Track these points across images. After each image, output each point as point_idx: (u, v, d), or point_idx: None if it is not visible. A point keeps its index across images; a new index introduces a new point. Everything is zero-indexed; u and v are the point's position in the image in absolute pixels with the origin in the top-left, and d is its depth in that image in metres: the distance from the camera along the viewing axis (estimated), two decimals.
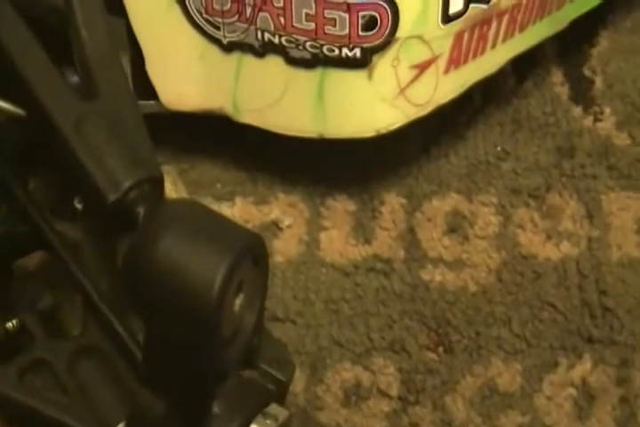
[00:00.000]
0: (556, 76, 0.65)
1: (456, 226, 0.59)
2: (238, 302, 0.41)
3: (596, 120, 0.63)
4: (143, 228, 0.41)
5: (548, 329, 0.56)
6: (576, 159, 0.61)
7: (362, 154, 0.61)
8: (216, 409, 0.41)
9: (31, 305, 0.49)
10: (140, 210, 0.42)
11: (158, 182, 0.44)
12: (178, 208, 0.41)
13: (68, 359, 0.47)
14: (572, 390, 0.55)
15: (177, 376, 0.40)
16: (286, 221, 0.59)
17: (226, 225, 0.41)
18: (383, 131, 0.55)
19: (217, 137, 0.60)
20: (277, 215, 0.59)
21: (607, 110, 0.63)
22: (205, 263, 0.38)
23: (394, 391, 0.54)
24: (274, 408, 0.43)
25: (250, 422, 0.41)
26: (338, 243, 0.58)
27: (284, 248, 0.58)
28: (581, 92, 0.64)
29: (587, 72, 0.65)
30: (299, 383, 0.53)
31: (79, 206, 0.48)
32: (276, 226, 0.58)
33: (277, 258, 0.57)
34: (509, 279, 0.57)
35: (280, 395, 0.46)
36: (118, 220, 0.43)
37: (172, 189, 0.53)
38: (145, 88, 0.55)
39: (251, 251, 0.40)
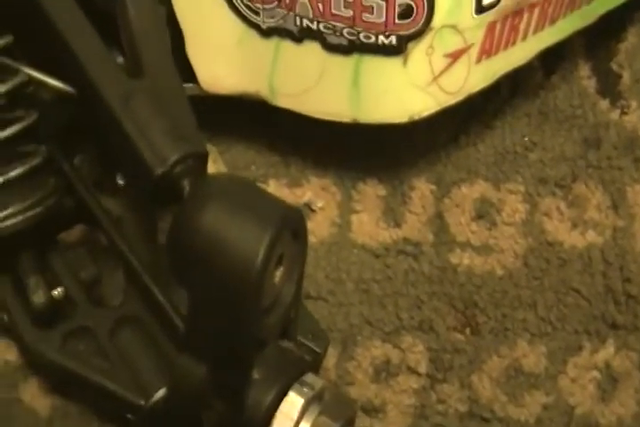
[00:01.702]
0: (584, 70, 0.65)
1: (484, 212, 0.60)
2: (278, 273, 0.42)
3: (623, 113, 0.64)
4: (187, 201, 0.42)
5: (573, 314, 0.57)
6: (602, 151, 0.62)
7: (392, 141, 0.61)
8: (256, 375, 0.42)
9: (75, 275, 0.50)
10: (185, 184, 0.43)
11: (203, 157, 0.45)
12: (221, 182, 0.42)
13: (110, 327, 0.48)
14: (595, 373, 0.56)
15: (219, 344, 0.41)
16: (319, 204, 0.60)
17: (267, 199, 0.42)
18: (416, 117, 0.55)
19: (251, 121, 0.61)
20: (310, 197, 0.60)
21: (634, 104, 0.64)
22: (248, 236, 0.39)
23: (422, 369, 0.55)
24: (310, 377, 0.44)
25: (288, 389, 0.43)
26: (369, 226, 0.59)
27: (316, 229, 0.59)
28: (608, 86, 0.65)
29: (614, 66, 0.65)
30: (330, 359, 0.54)
31: (121, 182, 0.50)
32: (308, 208, 0.59)
33: (310, 239, 0.57)
34: (535, 265, 0.58)
35: (315, 366, 0.47)
36: (164, 193, 0.44)
37: (213, 166, 0.54)
38: (184, 71, 0.56)
39: (291, 224, 0.41)
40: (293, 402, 0.42)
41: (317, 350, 0.47)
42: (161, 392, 0.46)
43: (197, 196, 0.41)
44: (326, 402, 0.44)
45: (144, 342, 0.48)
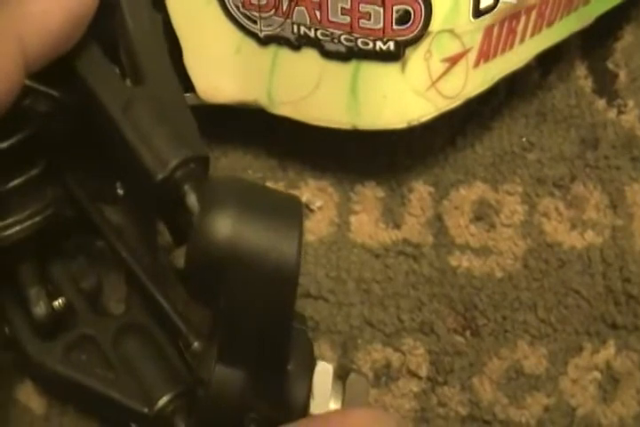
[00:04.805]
0: (580, 70, 0.65)
1: (482, 214, 0.60)
2: None
3: (620, 113, 0.64)
4: (202, 212, 0.40)
5: (573, 315, 0.57)
6: (600, 150, 0.62)
7: (390, 143, 0.62)
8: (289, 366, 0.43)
9: (76, 284, 0.51)
10: (187, 188, 0.43)
11: (204, 161, 0.44)
12: (227, 187, 0.41)
13: (113, 336, 0.49)
14: (596, 374, 0.56)
15: (258, 347, 0.41)
16: (317, 203, 0.60)
17: (276, 195, 0.42)
18: (414, 122, 0.55)
19: (248, 126, 0.61)
20: (308, 197, 0.60)
21: (630, 103, 0.64)
22: (278, 235, 0.39)
23: (423, 372, 0.56)
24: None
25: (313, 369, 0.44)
26: (368, 226, 0.59)
27: (315, 228, 0.59)
28: (605, 86, 0.65)
29: (610, 66, 0.65)
30: (330, 363, 0.54)
31: (121, 192, 0.50)
32: (307, 207, 0.60)
33: (309, 237, 0.58)
34: (535, 266, 0.59)
35: None
36: (166, 198, 0.44)
37: None
38: (182, 81, 0.56)
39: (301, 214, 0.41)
40: (325, 370, 0.45)
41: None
42: (165, 399, 0.46)
43: (209, 207, 0.40)
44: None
45: (148, 350, 0.48)
